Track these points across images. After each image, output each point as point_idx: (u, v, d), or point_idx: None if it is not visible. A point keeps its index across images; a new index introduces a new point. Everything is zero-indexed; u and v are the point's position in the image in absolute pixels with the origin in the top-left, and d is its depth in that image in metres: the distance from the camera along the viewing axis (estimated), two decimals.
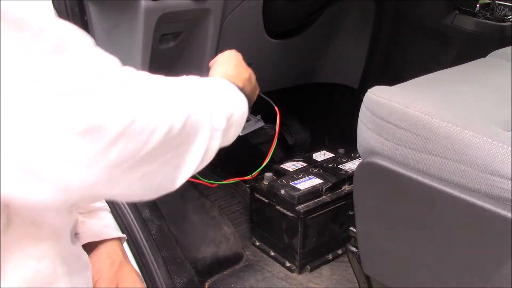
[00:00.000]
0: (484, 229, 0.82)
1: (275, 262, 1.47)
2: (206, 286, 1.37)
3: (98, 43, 0.49)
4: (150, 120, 0.48)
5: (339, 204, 1.45)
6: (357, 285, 1.20)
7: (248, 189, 1.62)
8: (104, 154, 0.45)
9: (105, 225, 0.83)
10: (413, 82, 1.02)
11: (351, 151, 1.62)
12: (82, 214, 0.81)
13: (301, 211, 1.37)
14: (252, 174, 1.54)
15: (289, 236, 1.42)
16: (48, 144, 0.42)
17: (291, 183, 1.45)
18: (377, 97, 0.91)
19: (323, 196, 1.44)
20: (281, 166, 1.58)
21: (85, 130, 0.43)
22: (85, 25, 1.12)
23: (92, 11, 1.13)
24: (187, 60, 1.31)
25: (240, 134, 1.37)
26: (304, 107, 2.00)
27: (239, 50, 0.84)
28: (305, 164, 1.58)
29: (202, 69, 1.28)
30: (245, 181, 1.67)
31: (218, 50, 1.28)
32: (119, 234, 0.88)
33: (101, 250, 0.81)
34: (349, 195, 1.43)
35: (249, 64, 0.83)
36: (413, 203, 0.91)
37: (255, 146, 1.83)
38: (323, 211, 1.41)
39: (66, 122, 0.42)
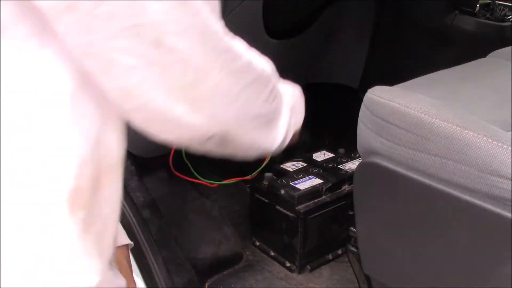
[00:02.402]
0: (484, 229, 0.82)
1: (275, 262, 1.47)
2: (206, 286, 1.37)
3: None
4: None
5: (339, 204, 1.44)
6: (357, 285, 1.19)
7: (248, 189, 1.62)
8: (243, 93, 0.56)
9: None
10: (413, 82, 1.02)
11: (351, 151, 1.61)
12: None
13: (301, 211, 1.37)
14: (252, 174, 1.54)
15: (289, 236, 1.42)
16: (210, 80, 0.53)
17: (291, 183, 1.45)
18: (377, 97, 0.91)
19: (323, 196, 1.44)
20: (281, 166, 1.58)
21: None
22: None
23: None
24: None
25: None
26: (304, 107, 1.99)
27: None
28: (305, 164, 1.58)
29: None
30: (245, 181, 1.67)
31: None
32: (127, 241, 0.87)
33: None
34: (349, 195, 1.43)
35: None
36: (413, 203, 0.91)
37: None
38: (323, 211, 1.41)
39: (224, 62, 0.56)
